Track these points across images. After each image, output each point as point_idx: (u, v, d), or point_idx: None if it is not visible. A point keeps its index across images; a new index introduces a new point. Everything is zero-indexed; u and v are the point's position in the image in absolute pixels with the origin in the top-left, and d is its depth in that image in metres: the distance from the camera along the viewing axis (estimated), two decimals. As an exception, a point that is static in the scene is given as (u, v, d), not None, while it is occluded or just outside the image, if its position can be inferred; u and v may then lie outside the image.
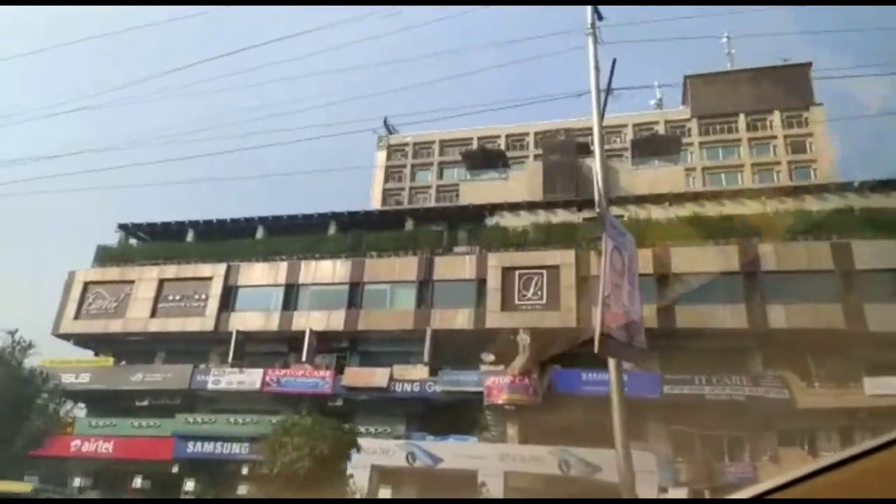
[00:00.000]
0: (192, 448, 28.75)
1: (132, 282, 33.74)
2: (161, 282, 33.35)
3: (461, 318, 29.04)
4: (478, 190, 43.79)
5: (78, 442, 30.15)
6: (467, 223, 33.13)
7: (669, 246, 28.20)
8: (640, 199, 32.70)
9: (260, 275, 32.48)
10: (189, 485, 27.61)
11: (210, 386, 30.04)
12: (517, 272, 29.31)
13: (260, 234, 35.38)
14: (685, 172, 47.37)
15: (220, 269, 32.78)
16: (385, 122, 57.09)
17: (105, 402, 32.56)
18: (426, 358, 28.57)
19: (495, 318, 28.58)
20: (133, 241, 38.09)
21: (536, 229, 30.84)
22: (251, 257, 33.55)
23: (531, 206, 32.45)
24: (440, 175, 56.55)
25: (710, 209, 29.99)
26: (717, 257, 27.47)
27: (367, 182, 57.81)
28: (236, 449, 28.47)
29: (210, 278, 32.72)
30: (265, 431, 28.33)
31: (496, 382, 25.60)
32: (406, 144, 58.10)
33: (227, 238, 35.19)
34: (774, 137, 52.63)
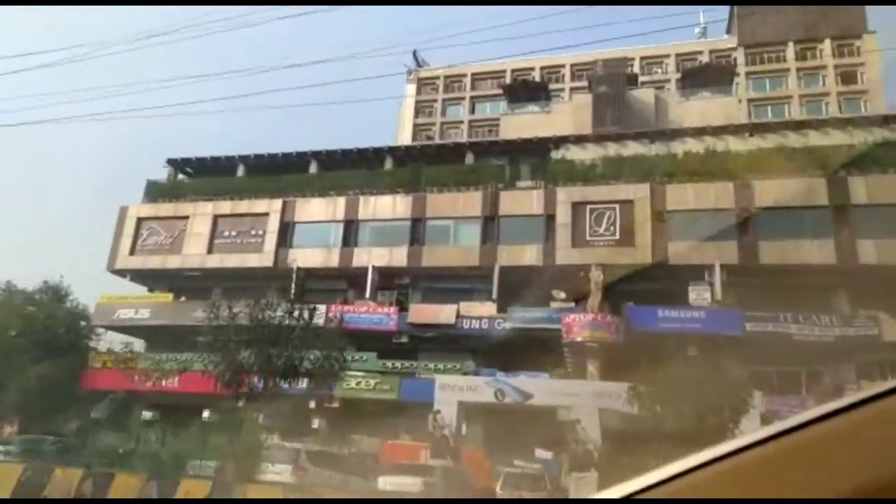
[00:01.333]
0: (258, 382, 28.61)
1: (186, 217, 33.16)
2: (216, 217, 32.73)
3: (529, 255, 28.22)
4: (519, 123, 42.11)
5: (138, 376, 30.20)
6: (530, 157, 31.88)
7: (751, 179, 26.90)
8: (699, 132, 31.15)
9: (317, 210, 31.69)
10: (261, 418, 27.58)
11: (273, 322, 29.65)
12: (588, 207, 28.26)
13: (313, 168, 34.42)
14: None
15: (276, 204, 32.02)
16: (414, 54, 55.07)
17: (165, 338, 32.50)
18: (494, 295, 27.92)
19: (566, 255, 27.72)
20: (181, 176, 37.35)
21: (606, 163, 29.56)
22: (306, 192, 32.73)
23: (600, 139, 31.03)
24: (472, 110, 54.85)
25: (792, 140, 28.45)
26: (803, 190, 26.15)
27: (392, 117, 56.29)
28: (303, 383, 28.30)
29: (266, 214, 32.02)
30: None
31: (577, 320, 24.91)
32: (436, 77, 56.21)
33: (279, 173, 34.26)
34: (824, 67, 50.24)
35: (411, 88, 56.18)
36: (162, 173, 36.92)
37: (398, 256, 29.75)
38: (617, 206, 27.90)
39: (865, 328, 24.27)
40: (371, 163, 33.64)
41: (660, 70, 56.57)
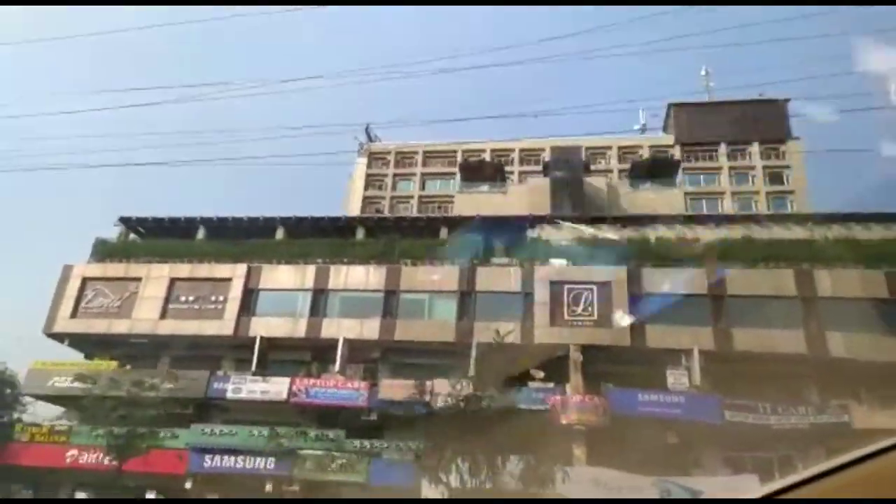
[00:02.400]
0: (210, 462, 26.20)
1: (138, 279, 31.01)
2: (172, 280, 30.76)
3: (507, 332, 27.62)
4: (474, 202, 42.76)
5: (75, 452, 27.15)
6: (503, 234, 31.95)
7: (722, 266, 27.72)
8: (670, 219, 32.29)
9: (285, 278, 30.33)
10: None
11: (230, 395, 27.57)
12: (566, 286, 28.23)
13: (280, 234, 33.23)
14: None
15: (241, 269, 30.48)
16: (367, 129, 55.91)
17: (96, 410, 29.49)
18: (471, 372, 26.94)
19: (544, 334, 27.35)
20: (133, 236, 35.24)
21: (581, 244, 29.93)
22: (272, 259, 31.39)
23: (577, 220, 31.54)
24: (423, 186, 55.38)
25: (756, 231, 29.76)
26: (772, 280, 27.13)
27: (339, 189, 56.08)
28: (260, 463, 26.10)
29: (229, 279, 30.36)
30: (292, 445, 26.49)
31: (563, 401, 24.27)
32: (388, 153, 56.79)
33: (242, 237, 32.88)
34: (753, 168, 54.01)
35: (362, 162, 56.30)
36: (110, 231, 34.77)
37: (370, 329, 28.58)
38: (595, 286, 28.01)
39: (836, 416, 24.74)
40: (342, 232, 32.85)
41: (603, 161, 59.30)
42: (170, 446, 26.70)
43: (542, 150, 54.64)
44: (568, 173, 46.65)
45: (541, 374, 26.55)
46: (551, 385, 26.36)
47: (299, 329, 29.10)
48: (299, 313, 29.46)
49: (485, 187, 48.70)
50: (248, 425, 27.48)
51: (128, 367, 29.23)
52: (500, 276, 29.20)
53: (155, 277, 30.82)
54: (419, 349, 28.53)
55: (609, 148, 57.77)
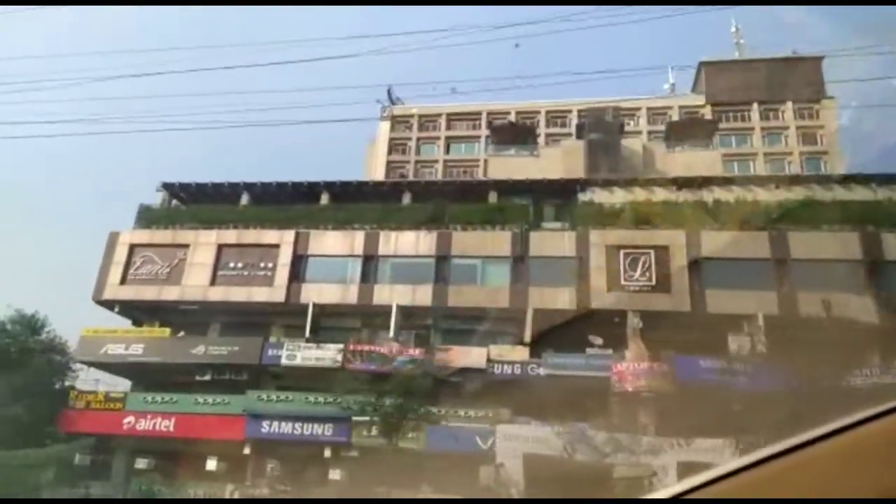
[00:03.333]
0: (268, 428, 26.29)
1: (186, 246, 30.78)
2: (220, 247, 30.49)
3: (563, 298, 27.23)
4: (507, 165, 41.69)
5: (131, 419, 27.34)
6: (553, 198, 31.27)
7: (785, 229, 26.94)
8: (726, 181, 31.36)
9: (333, 244, 29.95)
10: (274, 468, 25.18)
11: (284, 361, 27.49)
12: (622, 251, 27.62)
13: (324, 200, 32.73)
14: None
15: (289, 236, 30.12)
16: (388, 92, 54.36)
17: (154, 377, 29.68)
18: (527, 338, 26.69)
19: (601, 299, 26.87)
20: (175, 202, 34.92)
21: (636, 207, 29.16)
22: (319, 224, 30.98)
23: (628, 183, 30.71)
24: (447, 150, 54.31)
25: (819, 193, 28.81)
26: (839, 244, 26.31)
27: (360, 154, 55.08)
28: (318, 430, 26.15)
29: (277, 246, 30.04)
30: (348, 412, 26.44)
31: (631, 368, 23.89)
32: (411, 116, 55.49)
33: (286, 203, 32.42)
34: (786, 128, 52.44)
35: (385, 125, 55.12)
36: (152, 197, 34.44)
37: (422, 295, 28.23)
38: (652, 251, 27.37)
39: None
40: (385, 197, 32.30)
41: (632, 122, 57.84)
42: (226, 413, 26.87)
43: (569, 111, 53.34)
44: (604, 135, 45.43)
45: (599, 341, 26.19)
46: (609, 351, 26.00)
47: (350, 295, 28.84)
48: (350, 280, 29.16)
49: (514, 149, 47.58)
50: (301, 392, 27.51)
51: (181, 333, 29.20)
52: (553, 241, 28.63)
53: (203, 244, 30.57)
54: (472, 315, 28.17)
55: (638, 109, 56.26)
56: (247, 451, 26.46)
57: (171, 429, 26.80)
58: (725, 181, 30.41)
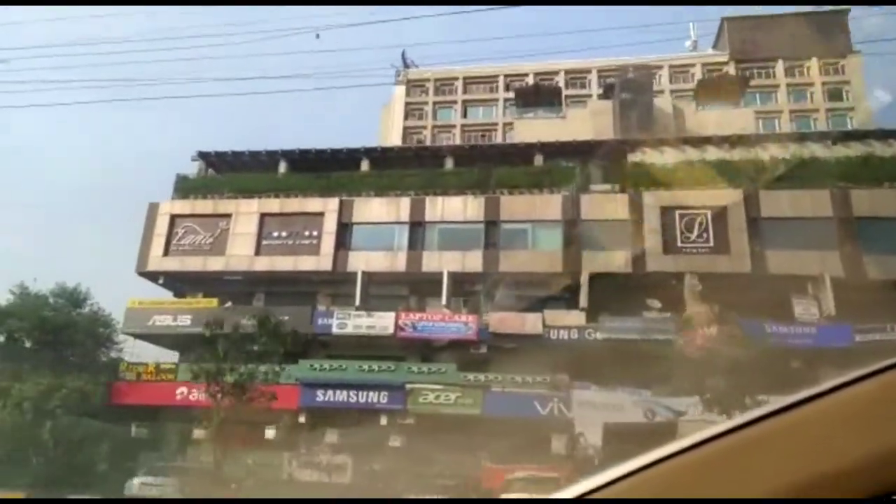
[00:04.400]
0: (322, 397, 26.10)
1: (228, 215, 30.29)
2: (263, 216, 29.99)
3: (617, 261, 26.66)
4: (532, 128, 40.63)
5: (184, 389, 27.17)
6: (601, 159, 30.47)
7: (846, 187, 26.18)
8: (781, 138, 30.50)
9: (379, 211, 29.40)
10: (331, 436, 25.04)
11: (335, 330, 27.19)
12: (678, 212, 26.97)
13: (365, 166, 32.09)
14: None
15: (332, 203, 29.56)
16: (403, 55, 52.98)
17: (201, 347, 29.40)
18: (583, 303, 26.23)
19: (657, 262, 26.31)
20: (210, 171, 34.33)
21: (687, 167, 28.41)
22: (361, 192, 30.39)
23: (683, 142, 29.87)
24: (464, 114, 53.18)
25: (878, 149, 27.92)
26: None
27: (374, 119, 54.04)
28: (373, 397, 25.95)
29: (321, 214, 29.50)
30: (403, 379, 26.23)
31: (702, 332, 23.35)
32: (426, 80, 54.23)
33: (325, 170, 31.78)
34: (812, 84, 51.15)
35: (400, 90, 53.90)
36: (186, 168, 33.86)
37: (472, 261, 27.74)
38: (708, 212, 26.71)
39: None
40: (429, 162, 31.62)
41: (654, 81, 56.48)
42: (281, 381, 26.63)
43: (589, 71, 52.15)
44: (636, 95, 44.23)
45: (657, 304, 25.69)
46: (668, 315, 25.52)
47: (399, 263, 28.39)
48: (397, 247, 28.67)
49: (540, 112, 46.42)
50: (351, 360, 27.26)
51: (229, 304, 28.88)
52: (605, 204, 27.99)
53: (244, 213, 30.07)
54: (523, 280, 27.73)
55: (660, 67, 54.93)
56: (301, 419, 26.33)
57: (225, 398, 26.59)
58: (779, 138, 29.47)
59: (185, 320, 28.26)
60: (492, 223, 28.31)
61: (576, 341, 25.69)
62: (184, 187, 32.07)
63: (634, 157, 29.70)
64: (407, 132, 52.09)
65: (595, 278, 26.48)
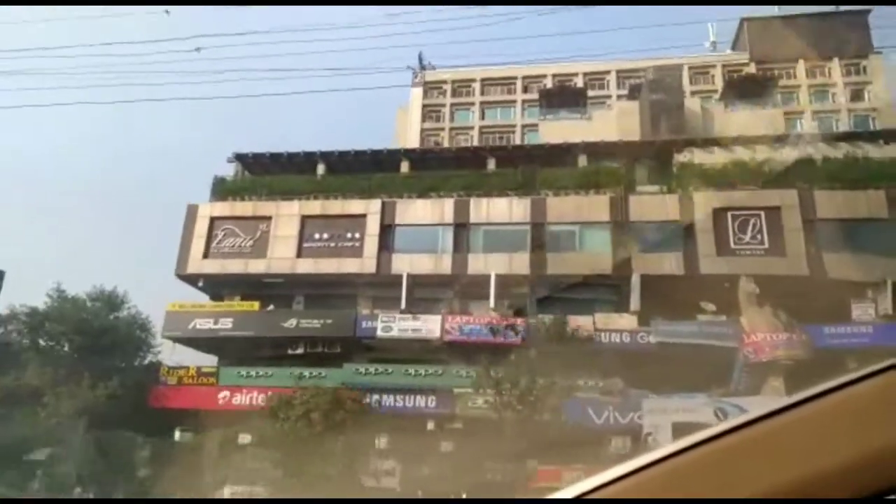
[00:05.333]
0: (368, 400, 25.59)
1: (268, 218, 29.93)
2: (304, 218, 29.62)
3: (668, 264, 26.13)
4: (558, 130, 40.00)
5: (226, 393, 26.81)
6: (647, 160, 29.97)
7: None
8: (835, 138, 29.92)
9: (422, 212, 28.97)
10: (382, 441, 24.55)
11: (380, 333, 26.73)
12: (730, 213, 26.42)
13: (405, 167, 31.69)
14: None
15: (374, 205, 29.16)
16: (419, 57, 52.49)
17: (240, 351, 29.04)
18: (634, 306, 25.69)
19: (710, 264, 25.74)
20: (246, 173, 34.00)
21: (737, 167, 27.87)
22: (401, 194, 29.98)
23: (731, 142, 29.33)
24: (482, 115, 52.73)
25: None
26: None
27: (390, 121, 53.63)
28: (421, 402, 25.46)
29: (363, 216, 29.10)
30: (450, 383, 25.72)
31: (767, 338, 22.77)
32: (443, 82, 53.81)
33: (363, 172, 31.40)
34: (833, 85, 50.52)
35: (417, 92, 53.48)
36: (220, 170, 33.54)
37: (519, 263, 27.26)
38: (762, 212, 26.14)
39: None
40: (470, 163, 31.19)
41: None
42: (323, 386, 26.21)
43: (608, 72, 51.67)
44: (667, 95, 43.71)
45: (712, 307, 25.12)
46: (723, 318, 24.94)
47: (444, 265, 27.94)
48: (441, 249, 28.23)
49: (564, 113, 45.84)
50: (394, 363, 26.80)
51: (271, 307, 28.49)
52: (654, 205, 27.47)
53: (285, 215, 29.71)
54: (569, 283, 27.17)
55: (679, 68, 54.51)
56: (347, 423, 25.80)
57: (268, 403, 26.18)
58: (828, 139, 28.89)
59: (226, 323, 27.90)
60: (538, 225, 27.83)
61: (628, 345, 25.15)
62: (221, 189, 31.74)
63: (681, 158, 29.14)
64: (424, 134, 51.74)
65: (646, 281, 25.95)
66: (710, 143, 30.20)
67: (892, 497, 0.89)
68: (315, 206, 29.89)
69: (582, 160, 30.17)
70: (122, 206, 72.91)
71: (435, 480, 22.96)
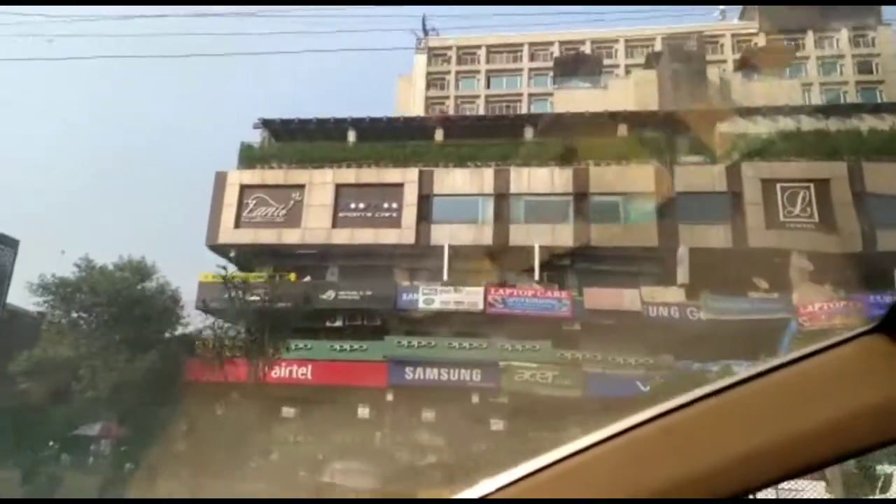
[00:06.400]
0: (412, 375, 25.30)
1: (301, 186, 29.13)
2: (338, 187, 28.85)
3: (717, 236, 25.72)
4: (573, 99, 39.09)
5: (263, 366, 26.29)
6: (688, 129, 29.31)
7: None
8: (856, 108, 29.36)
9: (461, 182, 28.28)
10: (428, 414, 24.31)
11: (421, 306, 26.27)
12: (779, 185, 25.94)
13: (438, 136, 30.85)
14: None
15: (412, 174, 28.42)
16: (423, 21, 50.92)
17: (274, 323, 28.47)
18: (682, 279, 25.34)
19: (759, 237, 25.36)
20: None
21: (785, 138, 27.30)
22: (437, 162, 29.22)
23: (777, 111, 28.70)
24: (488, 84, 51.61)
25: None
26: None
27: (390, 89, 52.33)
28: (465, 375, 25.16)
29: (400, 185, 28.38)
30: (495, 357, 25.42)
31: (824, 307, 22.53)
32: (448, 48, 52.47)
33: (395, 140, 30.52)
34: (842, 56, 49.83)
35: (421, 59, 52.05)
36: (245, 136, 32.53)
37: (562, 235, 26.76)
38: (811, 185, 25.69)
39: None
40: (506, 131, 30.41)
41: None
42: (364, 359, 25.89)
43: (616, 41, 50.60)
44: (688, 64, 42.74)
45: (764, 284, 24.74)
46: (775, 295, 24.62)
47: (484, 236, 27.39)
48: (482, 219, 27.63)
49: (576, 82, 44.84)
50: (434, 336, 26.42)
51: (307, 278, 27.89)
52: (700, 175, 26.93)
53: (319, 184, 28.93)
54: (612, 255, 26.79)
55: (695, 36, 53.46)
56: (389, 397, 25.58)
57: (309, 376, 25.88)
58: (877, 109, 28.33)
59: (260, 295, 27.23)
60: (581, 195, 27.25)
61: (677, 320, 24.83)
62: (248, 156, 30.82)
63: (725, 127, 28.51)
64: (429, 102, 50.61)
65: (693, 253, 25.55)
66: (752, 112, 29.56)
67: None
68: (349, 175, 29.11)
69: (622, 129, 29.45)
70: (135, 174, 71.49)
71: (484, 455, 22.78)
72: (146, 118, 75.25)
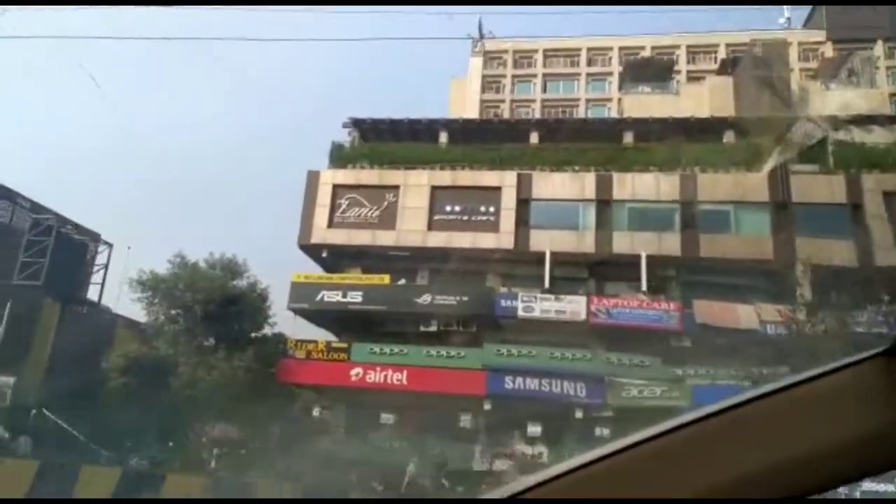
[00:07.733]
0: (512, 384, 24.55)
1: (396, 187, 28.67)
2: (433, 189, 28.30)
3: (839, 252, 24.28)
4: (643, 104, 37.58)
5: (359, 370, 25.90)
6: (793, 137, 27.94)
7: None
8: None
9: (560, 187, 27.45)
10: (534, 429, 23.58)
11: (521, 313, 25.52)
12: (904, 198, 24.47)
13: (534, 139, 30.08)
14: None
15: (510, 177, 27.72)
16: (479, 24, 50.03)
17: (363, 327, 28.10)
18: (805, 295, 24.00)
19: (886, 256, 23.89)
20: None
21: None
22: (533, 166, 28.47)
23: (871, 121, 27.25)
24: (544, 88, 50.46)
25: None
26: None
27: (444, 91, 51.62)
28: (569, 388, 24.32)
29: (497, 188, 27.69)
30: (600, 370, 24.54)
31: None
32: (504, 52, 51.57)
33: (487, 143, 29.85)
34: None
35: (476, 62, 51.26)
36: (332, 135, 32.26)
37: (669, 244, 25.72)
38: (943, 199, 24.16)
39: None
40: (604, 135, 29.48)
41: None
42: (461, 367, 25.27)
43: (677, 46, 49.13)
44: (767, 71, 41.03)
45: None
46: (904, 314, 23.14)
47: (586, 243, 26.51)
48: (583, 226, 26.76)
49: (646, 87, 43.45)
50: (531, 345, 25.66)
51: (402, 280, 27.43)
52: (815, 185, 25.60)
53: (414, 185, 28.43)
54: (720, 267, 25.60)
55: (748, 44, 51.66)
56: (487, 406, 24.89)
57: (404, 382, 25.30)
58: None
59: (355, 297, 26.90)
60: (688, 203, 26.16)
61: (793, 339, 23.53)
62: (339, 156, 30.51)
63: (839, 136, 27.10)
64: (484, 105, 49.86)
65: (813, 270, 24.22)
66: (867, 120, 28.07)
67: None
68: (445, 177, 28.56)
69: (728, 136, 28.26)
70: (224, 176, 72.28)
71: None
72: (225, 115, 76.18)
